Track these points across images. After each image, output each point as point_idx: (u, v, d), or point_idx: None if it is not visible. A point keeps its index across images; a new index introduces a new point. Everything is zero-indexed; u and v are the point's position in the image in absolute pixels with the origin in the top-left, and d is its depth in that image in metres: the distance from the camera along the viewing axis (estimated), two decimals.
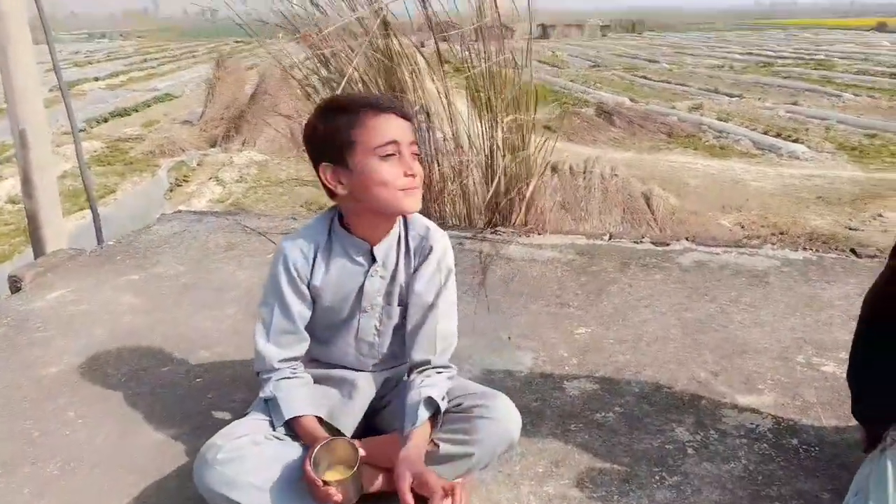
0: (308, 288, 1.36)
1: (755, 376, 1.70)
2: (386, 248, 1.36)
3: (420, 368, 1.35)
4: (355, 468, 1.15)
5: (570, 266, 2.43)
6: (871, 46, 22.09)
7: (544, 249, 2.59)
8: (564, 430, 1.53)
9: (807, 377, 1.69)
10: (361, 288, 1.36)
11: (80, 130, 9.67)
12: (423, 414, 1.24)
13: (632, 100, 12.12)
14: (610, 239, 2.68)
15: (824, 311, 1.99)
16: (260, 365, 1.35)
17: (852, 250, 2.41)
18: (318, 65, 2.68)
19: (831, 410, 1.55)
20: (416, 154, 1.29)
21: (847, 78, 14.32)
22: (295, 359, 1.38)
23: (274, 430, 1.29)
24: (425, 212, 2.88)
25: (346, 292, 1.37)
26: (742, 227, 6.05)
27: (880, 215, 5.93)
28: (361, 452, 1.18)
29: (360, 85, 2.65)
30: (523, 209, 2.82)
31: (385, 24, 2.53)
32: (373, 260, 1.35)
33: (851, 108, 10.72)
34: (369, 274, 1.35)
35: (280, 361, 1.35)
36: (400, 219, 1.38)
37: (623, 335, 1.95)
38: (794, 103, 11.20)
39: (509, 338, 1.97)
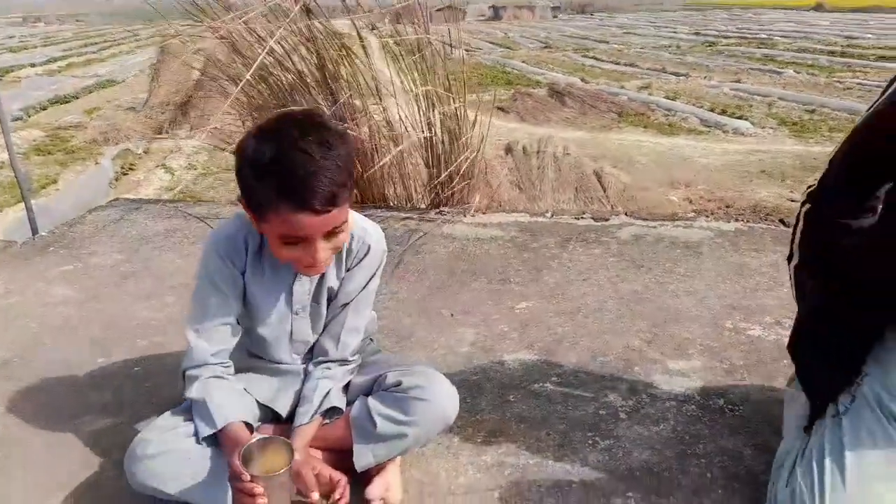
0: (242, 278, 1.31)
1: (686, 342, 1.77)
2: None
3: (320, 360, 1.37)
4: (287, 467, 1.07)
5: (512, 243, 2.46)
6: (810, 25, 22.75)
7: (488, 228, 2.62)
8: (503, 402, 1.57)
9: (734, 341, 1.76)
10: (290, 291, 1.33)
11: (17, 119, 9.29)
12: (310, 412, 1.29)
13: (583, 80, 12.25)
14: (552, 216, 2.73)
15: (752, 278, 2.07)
16: (189, 361, 1.29)
17: (780, 220, 2.51)
18: (233, 54, 2.63)
19: (755, 371, 1.63)
20: (336, 231, 1.16)
21: (788, 56, 14.73)
22: (225, 351, 1.32)
23: (197, 437, 1.22)
24: (369, 196, 2.89)
25: (276, 294, 1.33)
26: (690, 202, 6.21)
27: None
28: (296, 456, 1.12)
29: (289, 75, 2.61)
30: (466, 189, 2.84)
31: (308, 11, 2.48)
32: None
33: (792, 84, 11.05)
34: (297, 278, 1.32)
35: (212, 356, 1.29)
36: None
37: (562, 308, 1.99)
38: (738, 81, 11.49)
39: (452, 315, 1.99)
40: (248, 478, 1.05)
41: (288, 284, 1.32)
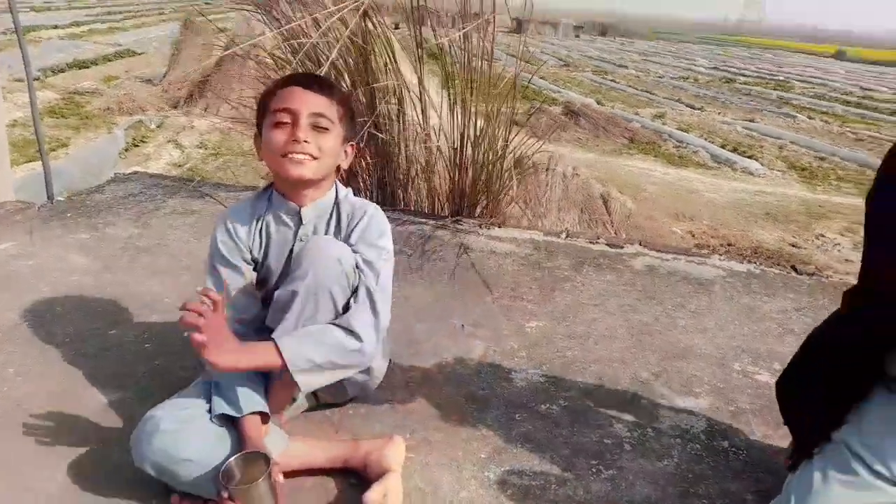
0: (250, 254, 1.41)
1: (693, 380, 1.78)
2: (315, 213, 1.41)
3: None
4: (262, 478, 1.11)
5: (526, 261, 2.47)
6: (829, 73, 22.88)
7: (504, 242, 2.63)
8: (509, 420, 1.58)
9: (741, 384, 1.77)
10: (291, 252, 1.40)
11: (35, 79, 9.26)
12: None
13: (599, 102, 12.28)
14: (567, 237, 2.74)
15: (762, 323, 2.08)
16: None
17: (793, 267, 2.53)
18: (284, 43, 2.64)
19: (762, 417, 1.64)
20: (322, 128, 1.33)
21: (804, 101, 14.82)
22: (247, 320, 1.38)
23: (211, 414, 1.26)
24: (391, 198, 2.90)
25: (277, 256, 1.41)
26: (693, 236, 6.23)
27: (822, 235, 6.19)
28: (277, 477, 1.15)
29: (332, 70, 2.63)
30: (488, 202, 2.85)
31: (365, 13, 2.50)
32: (300, 222, 1.39)
33: (805, 129, 11.11)
34: (298, 237, 1.40)
35: (237, 323, 1.34)
36: (333, 193, 1.43)
37: (573, 331, 2.00)
38: (752, 120, 11.55)
39: (463, 326, 2.00)
40: (225, 497, 1.11)
41: (289, 245, 1.40)
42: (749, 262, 2.56)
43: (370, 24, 2.55)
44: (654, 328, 2.04)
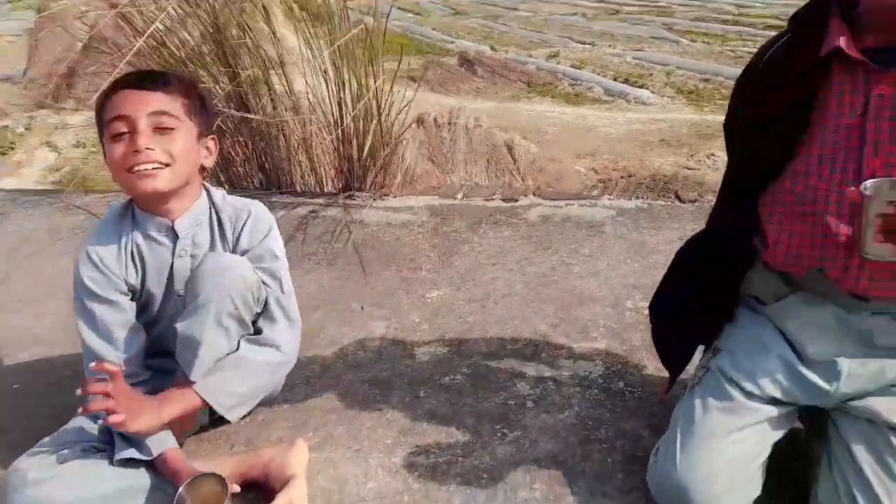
0: (126, 284, 1.28)
1: (590, 325, 1.82)
2: (190, 224, 1.29)
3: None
4: (226, 499, 1.07)
5: (423, 228, 2.44)
6: None
7: (399, 212, 2.58)
8: (413, 398, 1.56)
9: (633, 321, 1.83)
10: (171, 271, 1.29)
11: None
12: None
13: (492, 48, 12.22)
14: (463, 197, 2.72)
15: (651, 257, 2.15)
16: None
17: (677, 196, 2.62)
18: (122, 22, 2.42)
19: (653, 352, 1.67)
20: (166, 128, 1.20)
21: (685, 25, 15.29)
22: (136, 359, 1.28)
23: (112, 460, 1.17)
24: (276, 181, 2.77)
25: (157, 278, 1.30)
26: (595, 172, 6.37)
27: (713, 155, 6.48)
28: (233, 488, 1.11)
29: (182, 51, 2.45)
30: (378, 171, 2.77)
31: None
32: (176, 236, 1.28)
33: (689, 53, 11.49)
34: (177, 254, 1.29)
35: (125, 362, 1.24)
36: (205, 198, 1.33)
37: (473, 295, 2.00)
38: (640, 49, 11.81)
39: (362, 307, 1.96)
40: None
41: (168, 263, 1.29)
42: (637, 198, 2.63)
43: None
44: (550, 279, 2.07)
